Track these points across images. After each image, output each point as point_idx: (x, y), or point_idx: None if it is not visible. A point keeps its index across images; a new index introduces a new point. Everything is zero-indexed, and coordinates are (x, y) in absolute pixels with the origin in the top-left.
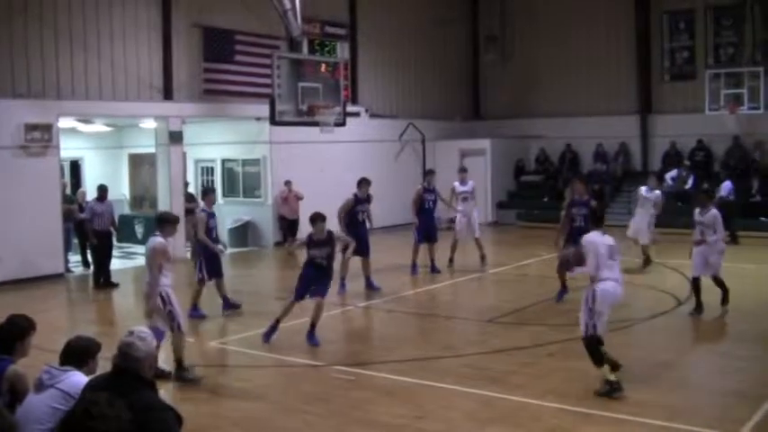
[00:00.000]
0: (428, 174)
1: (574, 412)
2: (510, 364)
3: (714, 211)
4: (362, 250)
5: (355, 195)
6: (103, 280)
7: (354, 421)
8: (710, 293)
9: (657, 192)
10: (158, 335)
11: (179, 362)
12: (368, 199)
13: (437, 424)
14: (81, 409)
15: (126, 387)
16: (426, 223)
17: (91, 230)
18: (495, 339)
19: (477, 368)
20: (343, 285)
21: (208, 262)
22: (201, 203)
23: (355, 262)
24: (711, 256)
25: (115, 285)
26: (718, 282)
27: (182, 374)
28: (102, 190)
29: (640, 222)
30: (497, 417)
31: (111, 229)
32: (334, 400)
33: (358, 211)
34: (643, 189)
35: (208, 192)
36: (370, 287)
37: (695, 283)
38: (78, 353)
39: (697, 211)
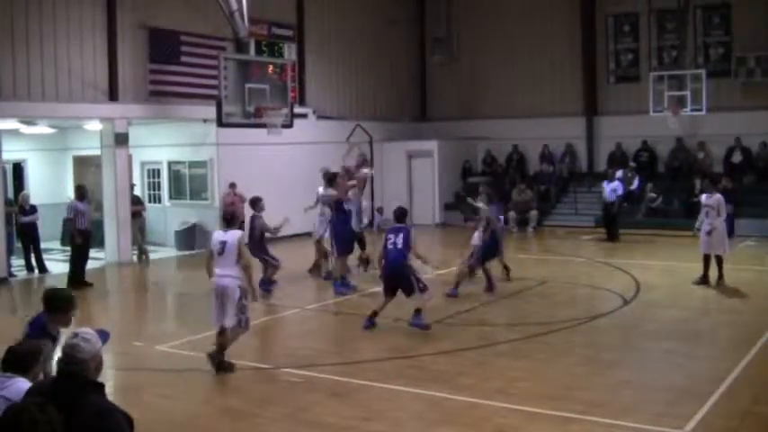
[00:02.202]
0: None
1: (522, 411)
2: (458, 365)
3: (718, 196)
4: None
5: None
6: (77, 280)
7: (302, 423)
8: (658, 289)
9: (718, 195)
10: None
11: (222, 348)
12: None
13: (385, 425)
14: (10, 416)
15: (72, 391)
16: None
17: (75, 229)
18: (442, 340)
19: (425, 369)
20: (346, 285)
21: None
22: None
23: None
24: (716, 237)
25: (89, 285)
26: (720, 260)
27: (217, 357)
28: (82, 189)
29: (715, 233)
30: (445, 417)
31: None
32: (282, 402)
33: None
34: (703, 197)
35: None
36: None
37: (706, 259)
38: (22, 358)
39: (704, 196)
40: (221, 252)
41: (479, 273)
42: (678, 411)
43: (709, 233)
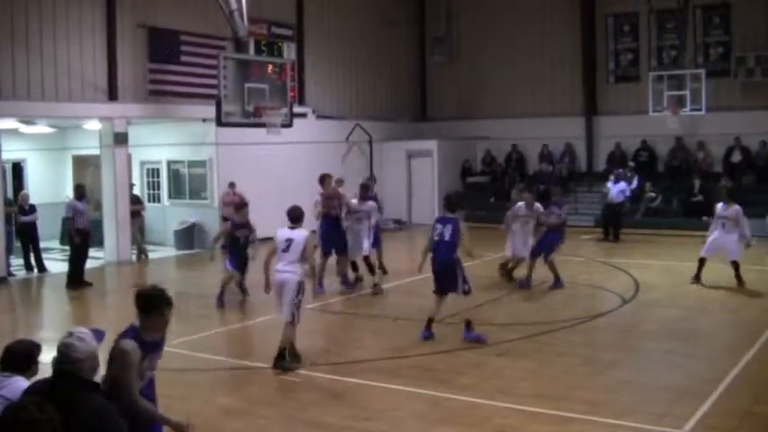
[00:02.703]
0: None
1: (522, 411)
2: (458, 365)
3: (737, 207)
4: (341, 248)
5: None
6: (77, 279)
7: (301, 423)
8: (657, 288)
9: (736, 206)
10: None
11: (284, 351)
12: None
13: (384, 425)
14: (9, 414)
15: (69, 391)
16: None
17: (74, 229)
18: (443, 340)
19: (426, 369)
20: (321, 285)
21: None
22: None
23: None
24: (730, 244)
25: (89, 284)
26: (736, 266)
27: (281, 364)
28: (81, 188)
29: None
30: (445, 417)
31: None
32: (281, 402)
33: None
34: (719, 207)
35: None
36: (346, 284)
37: (701, 261)
38: (19, 357)
39: (720, 206)
40: (286, 249)
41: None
42: (678, 411)
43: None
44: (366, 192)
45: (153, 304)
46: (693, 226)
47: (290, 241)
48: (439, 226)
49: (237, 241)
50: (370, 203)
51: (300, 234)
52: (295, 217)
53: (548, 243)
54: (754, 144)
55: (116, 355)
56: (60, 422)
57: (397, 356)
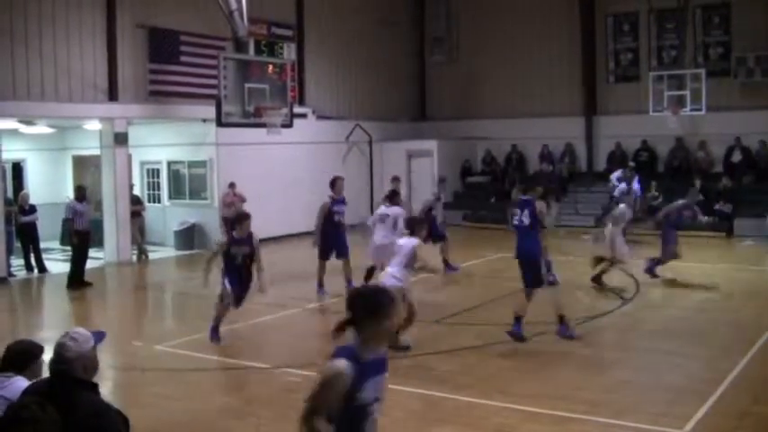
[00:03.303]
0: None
1: (521, 411)
2: (457, 365)
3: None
4: (341, 252)
5: (331, 197)
6: (77, 280)
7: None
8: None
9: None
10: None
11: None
12: (343, 199)
13: (382, 424)
14: (11, 413)
15: (66, 390)
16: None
17: (72, 230)
18: (442, 340)
19: (425, 368)
20: (321, 286)
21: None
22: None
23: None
24: None
25: (89, 285)
26: None
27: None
28: (81, 190)
29: None
30: (444, 416)
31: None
32: (280, 402)
33: (335, 213)
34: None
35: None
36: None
37: None
38: (18, 357)
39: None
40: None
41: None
42: (678, 411)
43: None
44: (396, 197)
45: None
46: (694, 226)
47: (400, 247)
48: (517, 210)
49: (234, 259)
50: (396, 209)
51: (409, 242)
52: (410, 227)
53: None
54: (755, 144)
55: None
56: (60, 422)
57: (397, 356)
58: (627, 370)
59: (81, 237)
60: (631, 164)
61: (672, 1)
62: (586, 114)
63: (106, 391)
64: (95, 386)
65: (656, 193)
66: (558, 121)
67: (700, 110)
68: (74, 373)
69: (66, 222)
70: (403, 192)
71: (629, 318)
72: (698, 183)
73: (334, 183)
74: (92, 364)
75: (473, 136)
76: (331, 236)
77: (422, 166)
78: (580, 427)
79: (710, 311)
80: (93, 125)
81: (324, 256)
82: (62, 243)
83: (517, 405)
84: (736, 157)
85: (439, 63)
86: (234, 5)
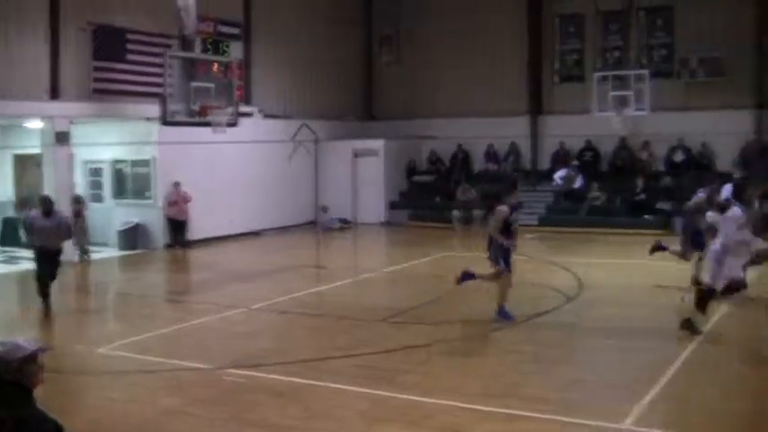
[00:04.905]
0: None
1: (468, 409)
2: (403, 363)
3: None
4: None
5: (509, 206)
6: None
7: (246, 423)
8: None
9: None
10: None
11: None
12: (519, 205)
13: (328, 423)
14: None
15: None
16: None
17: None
18: (387, 339)
19: (370, 368)
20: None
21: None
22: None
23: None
24: None
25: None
26: None
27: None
28: (47, 203)
29: None
30: (389, 416)
31: None
32: (226, 403)
33: (512, 222)
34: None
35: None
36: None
37: None
38: None
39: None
40: None
41: None
42: (620, 407)
43: None
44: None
45: None
46: (636, 225)
47: None
48: None
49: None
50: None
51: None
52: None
53: None
54: (697, 144)
55: None
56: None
57: (342, 356)
58: (572, 367)
59: (41, 254)
60: (575, 163)
61: (616, 3)
62: (532, 114)
63: (47, 396)
64: (29, 393)
65: (598, 194)
66: (503, 121)
67: (643, 110)
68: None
69: (7, 222)
70: (349, 191)
71: (572, 315)
72: (640, 182)
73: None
74: (11, 375)
75: (419, 135)
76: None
77: (368, 166)
78: (526, 425)
79: (652, 308)
80: (35, 123)
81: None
82: (2, 243)
83: (464, 403)
84: (679, 156)
85: (387, 62)
86: (181, 3)
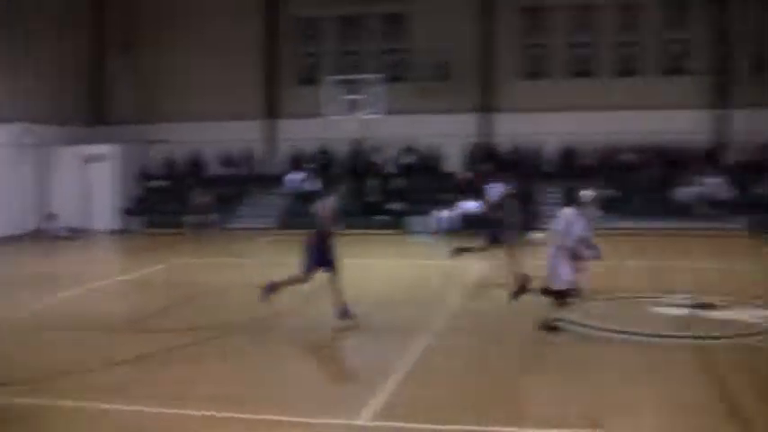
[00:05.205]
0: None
1: (199, 417)
2: (129, 375)
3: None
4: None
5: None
6: None
7: None
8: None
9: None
10: None
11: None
12: None
13: None
14: None
15: None
16: None
17: None
18: (112, 350)
19: (94, 383)
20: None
21: None
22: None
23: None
24: None
25: None
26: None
27: None
28: None
29: None
30: (116, 429)
31: None
32: None
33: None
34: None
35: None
36: None
37: None
38: None
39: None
40: None
41: None
42: (350, 402)
43: None
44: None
45: None
46: (370, 225)
47: None
48: None
49: None
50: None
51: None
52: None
53: None
54: (426, 146)
55: None
56: None
57: (73, 371)
58: (300, 364)
59: None
60: (309, 166)
61: (353, 9)
62: (267, 117)
63: None
64: None
65: (336, 197)
66: (239, 125)
67: (377, 113)
68: None
69: None
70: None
71: (294, 316)
72: (373, 183)
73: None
74: None
75: (153, 139)
76: None
77: (99, 171)
78: (268, 428)
79: (371, 304)
80: None
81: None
82: None
83: (193, 411)
84: (409, 158)
85: (119, 67)
86: None
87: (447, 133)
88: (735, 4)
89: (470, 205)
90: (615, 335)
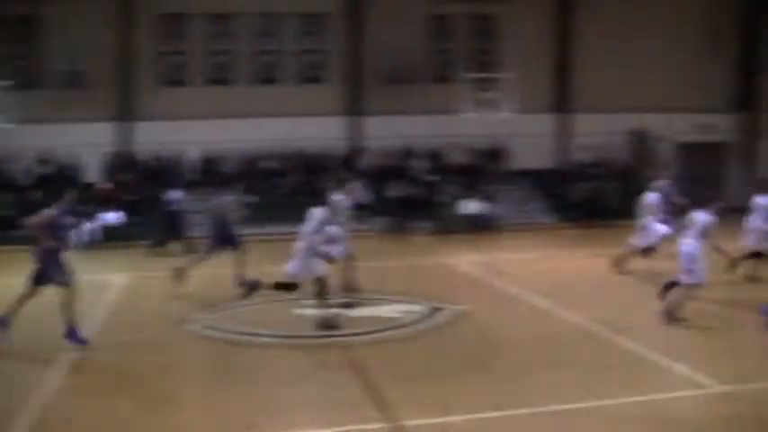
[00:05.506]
0: None
1: None
2: None
3: None
4: None
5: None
6: None
7: None
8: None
9: None
10: None
11: None
12: None
13: None
14: None
15: None
16: None
17: None
18: None
19: None
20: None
21: None
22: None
23: None
24: None
25: None
26: None
27: None
28: None
29: None
30: None
31: None
32: None
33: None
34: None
35: None
36: None
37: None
38: None
39: None
40: None
41: None
42: None
43: None
44: None
45: None
46: (6, 241)
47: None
48: None
49: None
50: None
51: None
52: None
53: None
54: (64, 156)
55: None
56: None
57: None
58: None
59: None
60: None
61: None
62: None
63: None
64: None
65: None
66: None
67: (7, 122)
68: None
69: None
70: None
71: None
72: (5, 196)
73: None
74: None
75: None
76: None
77: None
78: None
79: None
80: None
81: None
82: None
83: None
84: (46, 169)
85: None
86: None
87: (86, 142)
88: (367, 20)
89: (111, 217)
90: (262, 339)
